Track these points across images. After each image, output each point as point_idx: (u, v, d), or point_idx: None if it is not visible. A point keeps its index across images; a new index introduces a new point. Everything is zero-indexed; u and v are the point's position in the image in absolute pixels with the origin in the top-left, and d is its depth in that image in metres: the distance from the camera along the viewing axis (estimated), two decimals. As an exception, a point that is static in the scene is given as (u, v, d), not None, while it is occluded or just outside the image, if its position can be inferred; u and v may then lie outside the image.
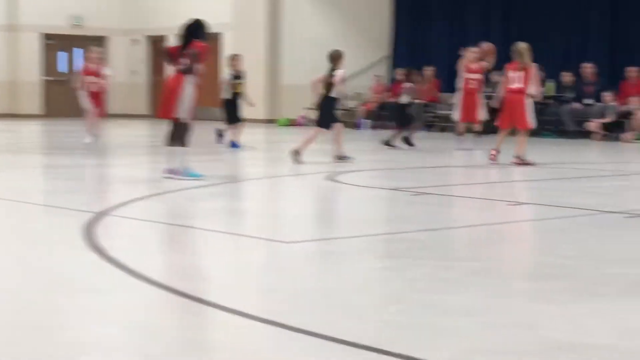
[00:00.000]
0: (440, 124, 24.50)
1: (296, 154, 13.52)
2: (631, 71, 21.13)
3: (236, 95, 16.74)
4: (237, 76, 16.85)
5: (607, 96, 20.61)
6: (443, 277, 5.52)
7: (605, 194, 10.55)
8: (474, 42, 26.51)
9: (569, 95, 21.98)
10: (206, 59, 11.09)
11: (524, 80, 13.54)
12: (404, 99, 17.42)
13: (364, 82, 26.52)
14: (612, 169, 13.72)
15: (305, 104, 26.23)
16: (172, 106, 10.85)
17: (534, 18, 25.10)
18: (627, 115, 20.21)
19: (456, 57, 26.51)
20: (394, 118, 18.21)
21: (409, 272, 5.77)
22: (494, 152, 13.51)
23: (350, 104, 26.51)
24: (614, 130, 20.27)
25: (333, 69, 14.09)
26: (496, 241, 7.18)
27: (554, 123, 22.45)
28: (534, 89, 13.68)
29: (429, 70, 24.82)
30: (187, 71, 10.92)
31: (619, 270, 5.79)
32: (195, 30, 11.14)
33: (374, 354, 3.95)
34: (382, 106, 25.30)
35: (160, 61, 30.10)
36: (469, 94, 16.85)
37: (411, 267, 5.92)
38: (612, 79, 22.17)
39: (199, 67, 10.95)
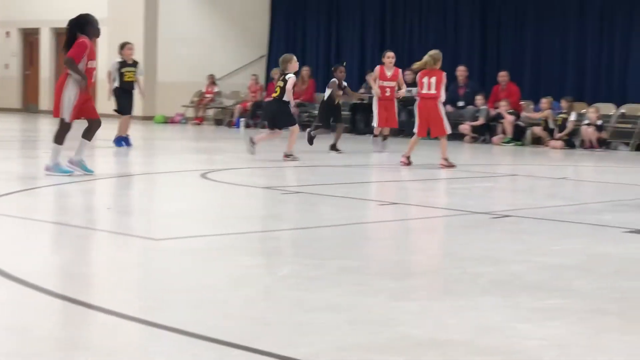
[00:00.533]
0: (317, 124, 24.67)
1: (288, 156, 13.97)
2: (502, 75, 21.67)
3: (127, 85, 16.13)
4: (130, 64, 16.19)
5: (479, 99, 21.11)
6: (311, 275, 5.61)
7: (473, 195, 10.82)
8: (350, 44, 26.98)
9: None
10: (82, 54, 10.82)
11: (436, 87, 13.76)
12: (326, 94, 16.69)
13: (242, 80, 26.55)
14: (481, 171, 14.07)
15: (182, 101, 26.14)
16: (57, 105, 10.83)
17: (409, 20, 25.52)
18: (497, 118, 20.72)
19: (332, 57, 26.85)
20: (321, 118, 17.32)
21: (279, 269, 5.84)
22: (404, 160, 13.67)
23: (227, 102, 26.51)
24: (485, 133, 20.78)
25: (284, 73, 14.17)
26: (364, 240, 7.31)
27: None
28: (443, 94, 13.90)
29: (305, 71, 25.04)
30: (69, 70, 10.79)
31: (480, 269, 5.97)
32: (78, 26, 10.92)
33: (240, 351, 4.00)
34: (258, 105, 25.36)
35: (33, 55, 29.61)
36: (385, 101, 16.65)
37: (281, 265, 5.99)
38: (483, 82, 22.73)
39: (80, 64, 10.73)
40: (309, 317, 4.57)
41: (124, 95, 16.13)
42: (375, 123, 16.90)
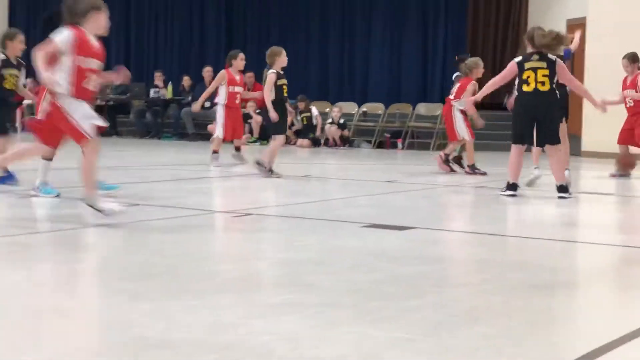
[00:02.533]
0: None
1: (260, 164, 12.79)
2: (249, 76, 21.86)
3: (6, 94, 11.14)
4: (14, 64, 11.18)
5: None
6: (44, 280, 5.42)
7: (216, 195, 10.84)
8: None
9: (188, 98, 22.42)
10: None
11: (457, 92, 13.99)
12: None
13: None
14: (226, 171, 14.12)
15: None
16: None
17: (154, 20, 25.35)
18: (245, 118, 20.91)
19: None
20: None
21: (9, 275, 5.61)
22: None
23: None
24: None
25: (269, 69, 13.02)
26: (102, 242, 7.15)
27: (174, 126, 22.87)
28: None
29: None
30: None
31: (218, 267, 5.96)
32: (52, 26, 9.33)
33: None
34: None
35: None
36: (234, 109, 15.28)
37: (10, 270, 5.75)
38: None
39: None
40: (40, 322, 4.40)
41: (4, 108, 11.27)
42: (219, 134, 15.19)
